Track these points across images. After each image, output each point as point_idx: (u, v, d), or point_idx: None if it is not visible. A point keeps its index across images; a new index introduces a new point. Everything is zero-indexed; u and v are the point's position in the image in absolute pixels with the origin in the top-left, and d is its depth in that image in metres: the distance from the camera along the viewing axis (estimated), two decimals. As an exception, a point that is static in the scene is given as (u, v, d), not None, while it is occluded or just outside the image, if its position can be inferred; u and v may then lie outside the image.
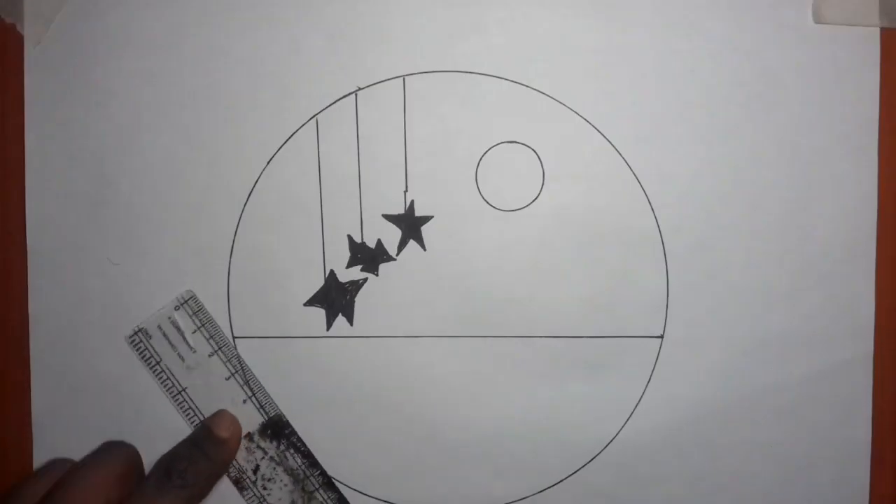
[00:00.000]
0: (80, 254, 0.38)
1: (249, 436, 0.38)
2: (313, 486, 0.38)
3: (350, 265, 0.38)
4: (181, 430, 0.38)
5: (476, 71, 0.38)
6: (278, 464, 0.38)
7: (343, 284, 0.38)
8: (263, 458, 0.38)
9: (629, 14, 0.38)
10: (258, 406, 0.38)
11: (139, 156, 0.38)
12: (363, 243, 0.38)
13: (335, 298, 0.38)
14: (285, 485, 0.38)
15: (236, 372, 0.38)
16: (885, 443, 0.38)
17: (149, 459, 0.38)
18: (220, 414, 0.38)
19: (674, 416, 0.38)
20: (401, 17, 0.38)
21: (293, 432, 0.38)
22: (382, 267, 0.38)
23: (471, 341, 0.38)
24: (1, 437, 0.38)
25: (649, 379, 0.38)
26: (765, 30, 0.38)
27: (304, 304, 0.38)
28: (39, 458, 0.38)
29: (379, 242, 0.38)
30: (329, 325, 0.38)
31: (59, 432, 0.38)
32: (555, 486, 0.39)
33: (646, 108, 0.38)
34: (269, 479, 0.38)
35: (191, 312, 0.38)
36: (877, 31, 0.38)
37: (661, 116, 0.38)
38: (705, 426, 0.38)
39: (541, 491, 0.39)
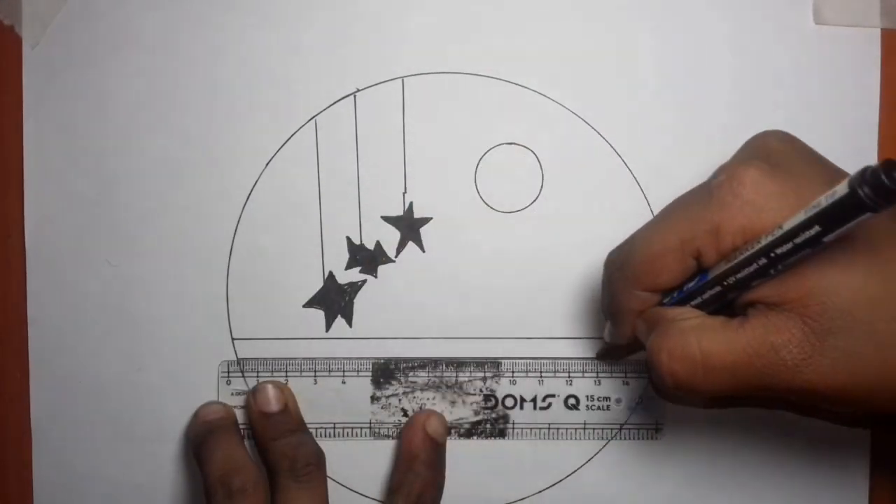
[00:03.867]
0: (78, 255, 0.38)
1: (374, 397, 0.38)
2: (450, 378, 0.38)
3: (349, 267, 0.38)
4: (181, 429, 0.38)
5: (475, 72, 0.38)
6: (411, 391, 0.38)
7: (342, 286, 0.38)
8: (399, 401, 0.38)
9: (628, 15, 0.38)
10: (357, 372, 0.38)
11: (138, 157, 0.38)
12: (362, 245, 0.38)
13: (334, 300, 0.38)
14: (432, 399, 0.38)
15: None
16: (885, 444, 0.38)
17: (148, 460, 0.38)
18: (261, 390, 0.37)
19: (673, 415, 0.38)
20: (400, 18, 0.38)
21: (396, 365, 0.38)
22: (381, 268, 0.38)
23: (470, 343, 0.38)
24: (1, 437, 0.38)
25: (650, 379, 0.38)
26: (765, 30, 0.38)
27: (304, 306, 0.38)
28: (39, 458, 0.38)
29: (378, 244, 0.38)
30: (328, 326, 0.38)
31: (59, 432, 0.38)
32: (555, 486, 0.39)
33: (645, 109, 0.38)
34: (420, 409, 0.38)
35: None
36: (877, 32, 0.38)
37: (660, 117, 0.38)
38: (704, 426, 0.38)
39: (540, 491, 0.39)
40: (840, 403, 0.28)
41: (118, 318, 0.38)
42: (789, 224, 0.26)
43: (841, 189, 0.24)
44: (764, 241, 0.27)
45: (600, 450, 0.38)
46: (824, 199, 0.25)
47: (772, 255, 0.27)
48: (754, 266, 0.27)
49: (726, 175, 0.28)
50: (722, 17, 0.38)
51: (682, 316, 0.30)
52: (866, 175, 0.23)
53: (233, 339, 0.38)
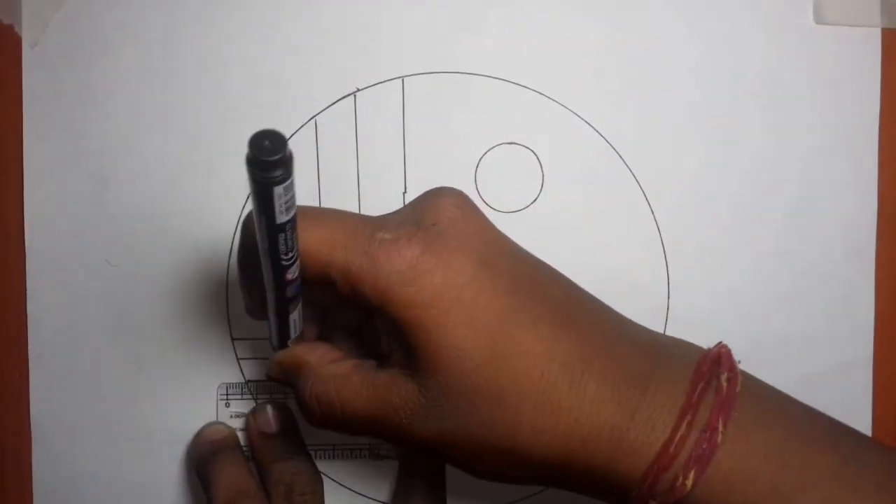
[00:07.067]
0: (78, 254, 0.38)
1: None
2: None
3: (349, 266, 0.38)
4: (181, 430, 0.38)
5: (475, 72, 0.38)
6: None
7: (342, 286, 0.38)
8: None
9: (628, 14, 0.38)
10: None
11: (138, 156, 0.38)
12: (362, 244, 0.38)
13: (334, 300, 0.38)
14: None
15: None
16: (886, 444, 0.38)
17: (148, 460, 0.38)
18: (261, 411, 0.38)
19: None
20: (399, 17, 0.38)
21: None
22: (381, 268, 0.38)
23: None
24: (0, 437, 0.38)
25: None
26: (765, 29, 0.38)
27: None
28: (39, 458, 0.38)
29: (378, 244, 0.38)
30: (328, 326, 0.38)
31: (59, 432, 0.38)
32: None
33: (645, 108, 0.38)
34: None
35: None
36: (877, 31, 0.38)
37: (660, 117, 0.38)
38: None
39: (541, 490, 0.39)
40: (446, 460, 0.31)
41: (118, 318, 0.38)
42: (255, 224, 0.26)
43: (249, 183, 0.25)
44: (259, 247, 0.27)
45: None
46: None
47: (268, 253, 0.27)
48: (271, 268, 0.28)
49: (392, 236, 0.28)
50: (721, 17, 0.38)
51: (322, 360, 0.32)
52: (249, 160, 0.24)
53: (233, 339, 0.38)
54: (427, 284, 0.28)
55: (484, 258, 0.29)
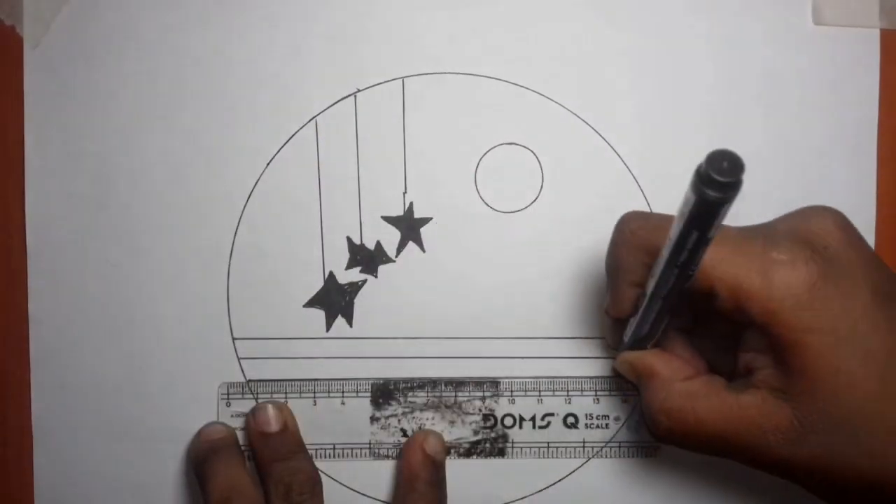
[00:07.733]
0: (79, 255, 0.38)
1: (374, 417, 0.38)
2: (449, 398, 0.38)
3: (349, 267, 0.38)
4: (182, 429, 0.38)
5: (475, 73, 0.38)
6: (410, 412, 0.38)
7: (342, 286, 0.38)
8: (399, 421, 0.38)
9: (628, 15, 0.38)
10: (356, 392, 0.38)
11: (139, 157, 0.38)
12: (362, 245, 0.38)
13: (334, 300, 0.38)
14: (432, 419, 0.38)
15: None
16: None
17: (148, 459, 0.38)
18: (261, 409, 0.37)
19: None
20: (400, 18, 0.38)
21: (395, 385, 0.38)
22: (381, 268, 0.38)
23: (469, 342, 0.38)
24: (1, 438, 0.38)
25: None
26: (765, 30, 0.38)
27: (304, 306, 0.38)
28: (39, 458, 0.38)
29: (378, 244, 0.38)
30: (329, 326, 0.38)
31: (60, 432, 0.38)
32: (554, 486, 0.39)
33: (645, 109, 0.38)
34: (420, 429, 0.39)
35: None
36: (877, 32, 0.38)
37: (660, 117, 0.38)
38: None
39: (540, 491, 0.39)
40: (808, 485, 0.30)
41: (119, 318, 0.38)
42: (674, 234, 0.27)
43: (690, 196, 0.25)
44: (665, 255, 0.28)
45: (601, 449, 0.39)
46: (684, 208, 0.26)
47: (679, 264, 0.28)
48: (673, 278, 0.29)
49: (788, 258, 0.28)
50: (720, 18, 0.38)
51: (675, 375, 0.32)
52: (702, 177, 0.24)
53: (233, 338, 0.38)
54: (824, 311, 0.28)
55: (877, 288, 0.29)
